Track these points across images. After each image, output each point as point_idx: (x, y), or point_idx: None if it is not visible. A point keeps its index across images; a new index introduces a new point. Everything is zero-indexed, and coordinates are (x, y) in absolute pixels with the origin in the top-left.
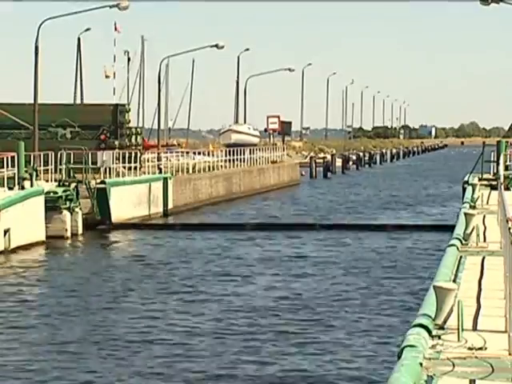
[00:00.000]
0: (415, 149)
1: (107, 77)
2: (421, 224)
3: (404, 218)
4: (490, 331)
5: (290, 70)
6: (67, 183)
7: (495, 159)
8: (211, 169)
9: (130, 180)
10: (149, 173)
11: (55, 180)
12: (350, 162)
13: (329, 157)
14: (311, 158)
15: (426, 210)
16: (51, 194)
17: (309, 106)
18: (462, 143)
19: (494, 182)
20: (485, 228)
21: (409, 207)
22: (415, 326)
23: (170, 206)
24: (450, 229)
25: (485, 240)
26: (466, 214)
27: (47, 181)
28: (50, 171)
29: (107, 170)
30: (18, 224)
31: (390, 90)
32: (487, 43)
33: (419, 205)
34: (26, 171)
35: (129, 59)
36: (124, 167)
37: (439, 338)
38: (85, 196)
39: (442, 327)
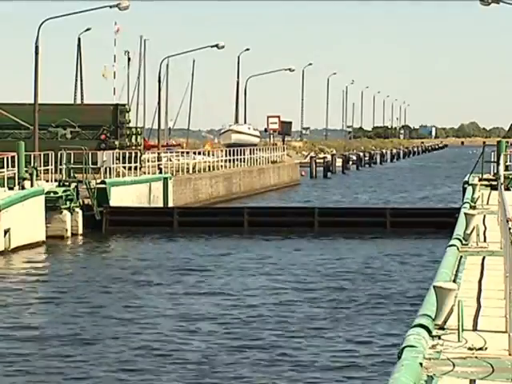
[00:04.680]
0: (415, 149)
1: (105, 77)
2: (421, 207)
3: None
4: (490, 331)
5: (290, 70)
6: (67, 183)
7: (495, 159)
8: (211, 169)
9: (130, 180)
10: (149, 173)
11: (55, 180)
12: (350, 162)
13: (329, 157)
14: (311, 158)
15: None
16: (51, 194)
17: (309, 106)
18: (463, 143)
19: (494, 182)
20: (485, 228)
21: None
22: (415, 326)
23: (170, 205)
24: (453, 211)
25: (485, 240)
26: (466, 214)
27: (47, 181)
28: (50, 171)
29: (107, 169)
30: (18, 224)
31: (390, 90)
32: (487, 43)
33: None
34: (27, 171)
35: (129, 59)
36: (124, 167)
37: (439, 338)
38: (85, 196)
39: (442, 327)
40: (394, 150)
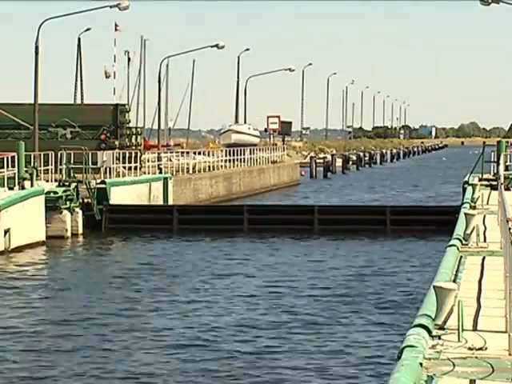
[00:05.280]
0: (415, 149)
1: (107, 77)
2: (421, 205)
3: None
4: (490, 331)
5: (290, 70)
6: (67, 183)
7: (495, 159)
8: (211, 169)
9: (130, 180)
10: (149, 173)
11: (55, 180)
12: (350, 162)
13: (329, 157)
14: (311, 158)
15: None
16: (51, 194)
17: (309, 106)
18: (463, 143)
19: (494, 182)
20: (485, 228)
21: None
22: (415, 326)
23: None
24: (454, 209)
25: (485, 240)
26: (466, 214)
27: (47, 181)
28: (50, 171)
29: (107, 169)
30: (18, 224)
31: (389, 90)
32: (487, 43)
33: None
34: (26, 171)
35: (129, 59)
36: (124, 167)
37: (439, 338)
38: (85, 196)
39: (442, 327)
40: (394, 150)
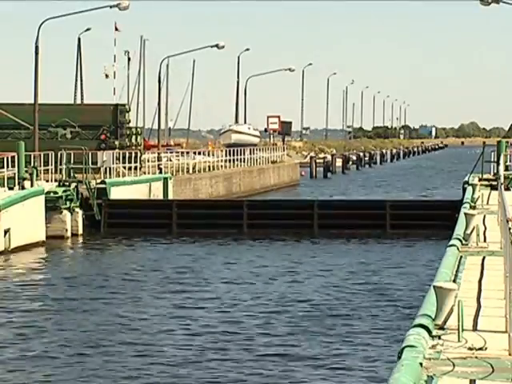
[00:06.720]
0: (415, 149)
1: (107, 76)
2: (421, 200)
3: None
4: (490, 331)
5: (290, 70)
6: (67, 183)
7: (495, 159)
8: (211, 169)
9: (130, 180)
10: (149, 173)
11: (55, 180)
12: (350, 162)
13: (329, 157)
14: (311, 158)
15: None
16: (51, 194)
17: (309, 106)
18: (463, 143)
19: (494, 182)
20: (485, 228)
21: None
22: (415, 326)
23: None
24: (454, 204)
25: (485, 240)
26: (466, 214)
27: (47, 181)
28: (50, 171)
29: (107, 169)
30: (18, 224)
31: (390, 90)
32: (487, 43)
33: None
34: (26, 171)
35: (129, 59)
36: (124, 167)
37: (439, 338)
38: (85, 196)
39: (442, 327)
40: (394, 150)
